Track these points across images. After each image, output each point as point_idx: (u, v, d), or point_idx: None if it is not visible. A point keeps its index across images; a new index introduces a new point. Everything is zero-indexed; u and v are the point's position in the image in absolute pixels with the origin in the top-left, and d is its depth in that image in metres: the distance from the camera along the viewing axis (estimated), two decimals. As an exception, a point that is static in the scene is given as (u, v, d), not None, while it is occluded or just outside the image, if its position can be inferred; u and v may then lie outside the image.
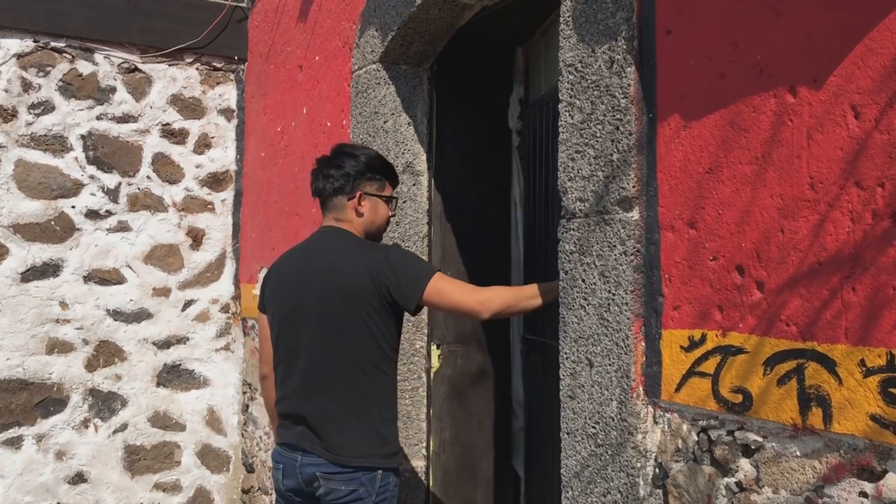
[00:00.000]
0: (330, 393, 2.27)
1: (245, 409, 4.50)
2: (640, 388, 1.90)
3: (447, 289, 2.26)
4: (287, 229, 4.03)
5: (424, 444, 3.15)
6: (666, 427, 1.85)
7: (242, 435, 4.53)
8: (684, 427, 1.81)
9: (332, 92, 3.55)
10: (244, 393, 4.53)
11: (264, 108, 4.32)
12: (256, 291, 4.31)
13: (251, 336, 4.44)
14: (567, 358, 2.08)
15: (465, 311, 2.28)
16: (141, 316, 4.36)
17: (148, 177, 4.41)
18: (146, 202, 4.40)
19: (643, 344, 1.90)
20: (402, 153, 3.13)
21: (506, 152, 3.34)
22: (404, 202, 3.11)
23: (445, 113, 3.23)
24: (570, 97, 2.08)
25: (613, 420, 1.93)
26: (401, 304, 2.26)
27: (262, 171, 4.33)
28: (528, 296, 2.32)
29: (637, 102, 1.91)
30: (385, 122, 3.14)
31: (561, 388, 2.10)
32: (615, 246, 1.94)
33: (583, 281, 2.03)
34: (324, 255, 2.34)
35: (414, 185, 3.15)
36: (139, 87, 4.38)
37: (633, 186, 1.91)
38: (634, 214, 1.91)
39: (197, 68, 4.50)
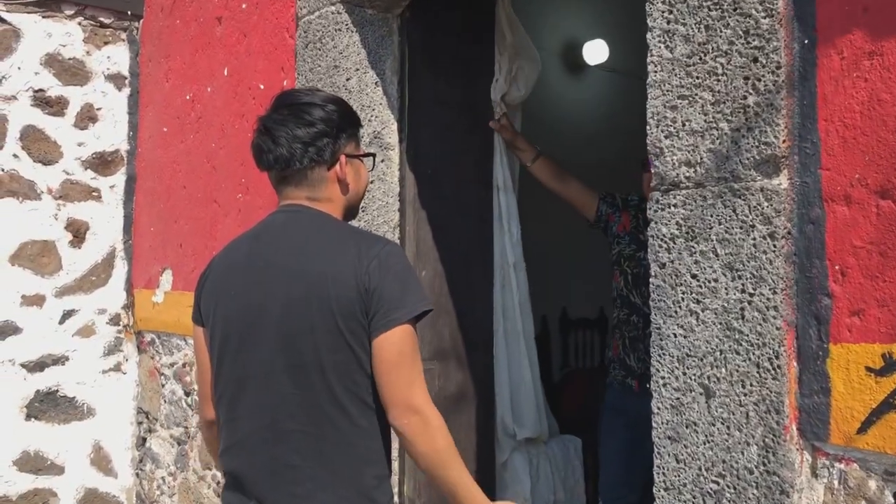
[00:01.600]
0: (297, 443, 1.57)
1: (141, 443, 3.66)
2: (794, 428, 1.34)
3: (407, 352, 1.56)
4: (200, 221, 3.25)
5: (397, 489, 2.49)
6: (836, 483, 1.30)
7: (137, 475, 3.68)
8: (872, 484, 1.26)
9: (268, 46, 2.82)
10: (140, 423, 3.68)
11: (167, 73, 3.51)
12: (157, 298, 3.50)
13: (149, 354, 3.61)
14: (664, 384, 1.50)
15: (395, 397, 1.53)
16: (6, 331, 3.43)
17: (15, 155, 3.49)
18: (12, 187, 3.48)
19: (796, 364, 1.34)
20: (369, 120, 2.46)
21: (488, 126, 2.74)
22: (371, 182, 2.44)
23: (419, 74, 2.58)
24: (669, 22, 1.50)
25: (751, 473, 1.36)
26: (370, 324, 1.56)
27: (165, 149, 3.52)
28: (455, 470, 1.55)
29: (786, 22, 1.36)
30: (348, 80, 2.47)
31: (655, 425, 1.51)
32: (753, 226, 1.37)
33: (693, 277, 1.45)
34: (292, 246, 1.63)
35: (383, 161, 2.48)
36: (3, 43, 3.46)
37: (783, 141, 1.35)
38: (782, 181, 1.35)
39: (80, 23, 3.63)
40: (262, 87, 2.85)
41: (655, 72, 1.52)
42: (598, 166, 5.13)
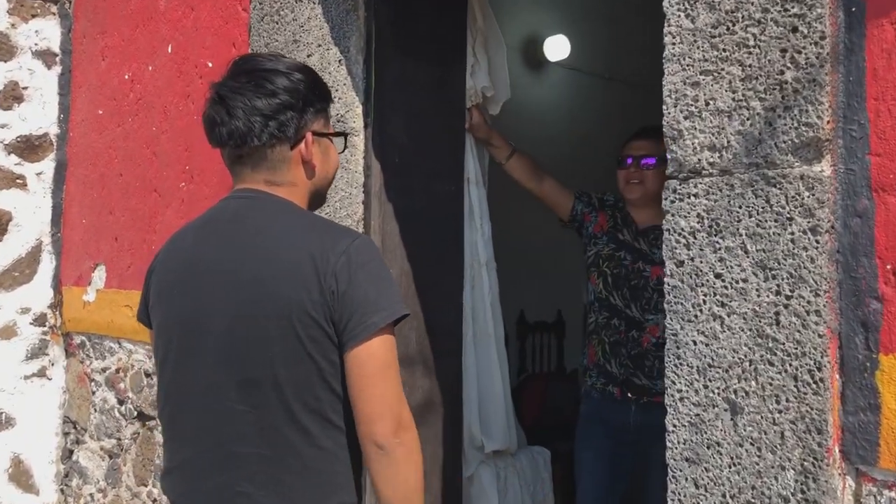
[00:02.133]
0: (250, 468, 1.33)
1: (67, 455, 3.34)
2: (837, 450, 1.17)
3: (391, 362, 1.34)
4: (138, 212, 2.96)
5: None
6: (885, 513, 1.14)
7: (62, 491, 3.36)
8: (929, 514, 1.10)
9: (217, 20, 2.57)
10: (66, 434, 3.36)
11: (103, 50, 3.21)
12: (88, 297, 3.19)
13: (78, 357, 3.30)
14: (682, 398, 1.32)
15: (384, 412, 1.31)
16: (-88, 332, 3.09)
17: (-74, 136, 3.15)
18: (-77, 172, 3.14)
19: (838, 377, 1.18)
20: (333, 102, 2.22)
21: (461, 114, 2.54)
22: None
23: (386, 53, 2.36)
24: (691, -13, 1.32)
25: (787, 501, 1.19)
26: (337, 333, 1.33)
27: (99, 134, 3.22)
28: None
29: (832, -12, 1.19)
30: (309, 57, 2.23)
31: (670, 444, 1.33)
32: (790, 219, 1.20)
33: (717, 277, 1.28)
34: (245, 239, 1.39)
35: (346, 147, 2.25)
36: (-87, 10, 3.12)
37: (828, 123, 1.18)
38: (824, 168, 1.19)
39: (4, -8, 3.29)
40: (210, 64, 2.59)
41: (674, 44, 1.34)
42: (557, 166, 5.00)
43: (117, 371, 3.03)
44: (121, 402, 3.01)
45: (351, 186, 2.28)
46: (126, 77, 3.05)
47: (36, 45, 3.39)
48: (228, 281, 1.36)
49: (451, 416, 2.53)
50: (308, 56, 2.24)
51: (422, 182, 2.43)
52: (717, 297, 1.28)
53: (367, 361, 1.31)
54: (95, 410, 3.16)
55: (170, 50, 2.80)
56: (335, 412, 1.35)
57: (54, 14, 3.43)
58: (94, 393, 3.18)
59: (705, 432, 1.29)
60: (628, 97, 5.20)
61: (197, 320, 1.38)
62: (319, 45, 2.24)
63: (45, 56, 3.42)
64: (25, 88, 3.36)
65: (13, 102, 3.33)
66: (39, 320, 3.40)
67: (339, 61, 2.26)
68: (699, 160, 1.30)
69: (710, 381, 1.28)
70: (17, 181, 3.35)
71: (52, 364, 3.41)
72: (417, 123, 2.42)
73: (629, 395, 2.52)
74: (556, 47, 5.01)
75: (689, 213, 1.31)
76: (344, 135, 1.63)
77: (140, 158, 2.95)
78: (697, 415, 1.30)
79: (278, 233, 1.38)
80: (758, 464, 1.22)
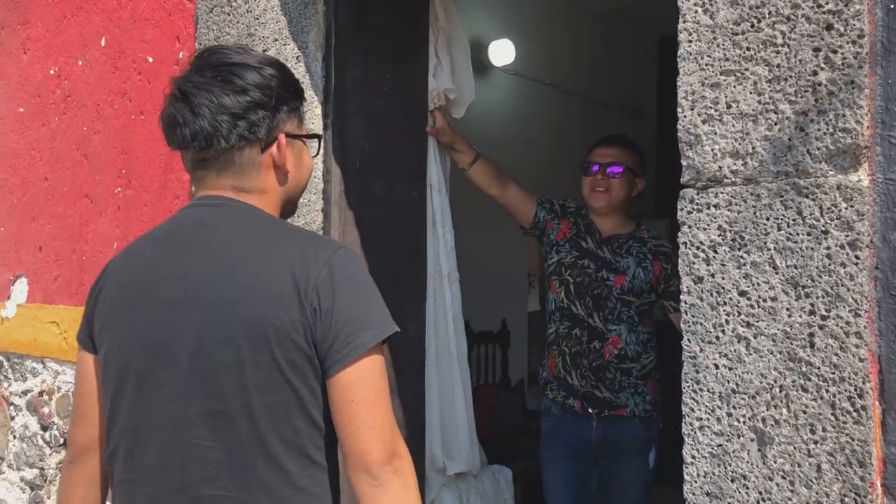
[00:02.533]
0: None
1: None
2: (879, 484, 1.08)
3: (382, 386, 1.19)
4: (66, 220, 2.71)
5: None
6: (932, 551, 1.05)
7: (-23, 526, 3.04)
8: (982, 553, 1.01)
9: (159, 11, 2.36)
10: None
11: (25, 43, 2.94)
12: (7, 312, 2.91)
13: (-5, 378, 3.00)
14: (701, 427, 1.21)
15: (377, 444, 1.16)
16: None
17: None
18: None
19: (878, 405, 1.09)
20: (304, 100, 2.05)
21: (423, 117, 2.40)
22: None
23: (346, 51, 2.20)
24: (710, -20, 1.22)
25: (825, 540, 1.09)
26: (318, 356, 1.17)
27: (20, 134, 2.94)
28: None
29: (870, -17, 1.10)
30: (265, 51, 2.05)
31: (688, 478, 1.22)
32: (826, 233, 1.11)
33: (742, 294, 1.17)
34: (212, 252, 1.22)
35: (319, 150, 2.08)
36: None
37: (866, 128, 1.09)
38: (862, 177, 1.10)
39: (-90, -24, 2.98)
40: (150, 59, 2.38)
41: (690, 41, 1.23)
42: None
43: (41, 394, 2.76)
44: (44, 429, 2.74)
45: (309, 192, 2.12)
46: (52, 72, 2.80)
47: (-53, 35, 3.08)
48: (196, 299, 1.19)
49: (414, 439, 2.38)
50: (264, 50, 2.06)
51: (383, 188, 2.28)
52: (743, 316, 1.17)
53: (355, 386, 1.15)
54: (15, 437, 2.88)
55: (103, 43, 2.56)
56: (316, 447, 1.20)
57: (-32, 2, 3.13)
58: (12, 418, 2.89)
59: (729, 464, 1.18)
60: (571, 105, 5.16)
61: (159, 345, 1.20)
62: (276, 40, 2.06)
63: (-43, 48, 3.11)
64: (-65, 83, 3.05)
65: (-79, 98, 3.02)
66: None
67: (298, 58, 2.09)
68: (720, 168, 1.20)
69: (734, 408, 1.18)
70: (-75, 185, 3.03)
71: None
72: (378, 126, 2.27)
73: (590, 409, 2.42)
74: (501, 51, 4.92)
75: (708, 224, 1.21)
76: (318, 137, 1.47)
77: (68, 161, 2.70)
78: (720, 445, 1.19)
79: (251, 244, 1.21)
80: (790, 499, 1.12)
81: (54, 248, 2.74)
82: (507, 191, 2.58)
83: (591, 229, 2.53)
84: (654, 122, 6.05)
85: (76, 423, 1.35)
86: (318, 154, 1.47)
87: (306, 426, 1.18)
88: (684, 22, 1.24)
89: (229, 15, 2.12)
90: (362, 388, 1.16)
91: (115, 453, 1.26)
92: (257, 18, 2.07)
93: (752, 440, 1.16)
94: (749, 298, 1.17)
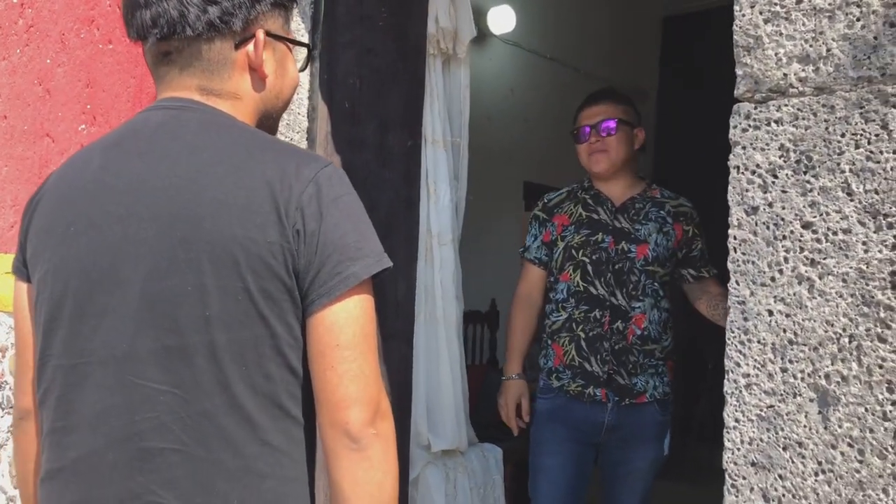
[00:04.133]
0: (170, 471, 0.95)
1: (-70, 452, 2.80)
2: (971, 454, 0.88)
3: (370, 329, 1.00)
4: (24, 161, 2.48)
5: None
6: None
7: (-78, 493, 2.82)
8: None
9: (132, -72, 2.13)
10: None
11: (-11, -30, 2.69)
12: (-40, 263, 2.67)
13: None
14: (748, 385, 1.01)
15: (362, 394, 0.97)
16: None
17: None
18: None
19: (973, 358, 0.89)
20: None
21: (420, 58, 2.19)
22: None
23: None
24: None
25: (901, 521, 0.90)
26: (300, 288, 0.98)
27: (-19, 70, 2.70)
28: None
29: None
30: (248, -32, 1.83)
31: (729, 444, 1.02)
32: (917, 149, 0.91)
33: (806, 227, 0.98)
34: (173, 160, 1.00)
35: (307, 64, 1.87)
36: None
37: (973, 22, 0.89)
38: (964, 83, 0.90)
39: None
40: (121, -18, 2.15)
41: (753, -75, 1.03)
42: (499, 145, 4.71)
43: (-7, 351, 2.54)
44: (-4, 388, 2.52)
45: (292, 131, 1.91)
46: (14, 0, 2.56)
47: None
48: (150, 214, 0.98)
49: (399, 410, 2.18)
50: (246, -33, 1.84)
51: (375, 134, 2.07)
52: (806, 253, 0.97)
53: (342, 327, 0.95)
54: (-35, 398, 2.65)
55: (71, -34, 2.33)
56: (291, 396, 0.99)
57: (-71, -74, 2.88)
58: (-37, 377, 2.66)
59: (781, 429, 0.99)
60: (570, 81, 4.96)
61: (103, 267, 0.99)
62: (261, -44, 1.84)
63: (-85, -25, 2.86)
64: None
65: None
66: None
67: (284, -21, 1.87)
68: (784, 75, 1.00)
69: (790, 362, 0.98)
70: None
71: (-87, 342, 2.86)
72: (371, 64, 2.06)
73: (613, 396, 2.21)
74: (501, 18, 4.71)
75: (768, 144, 1.01)
76: (307, 46, 1.25)
77: (29, 97, 2.47)
78: (771, 406, 1.00)
79: (220, 153, 1.00)
80: (858, 471, 0.93)
81: (11, 192, 2.51)
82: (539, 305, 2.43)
83: (601, 199, 2.30)
84: (655, 103, 5.88)
85: (20, 371, 1.14)
86: (305, 67, 1.26)
87: (280, 371, 0.98)
88: None
89: (209, -73, 1.90)
90: (350, 329, 0.96)
91: (46, 396, 1.04)
92: (240, -70, 1.85)
93: (811, 400, 0.97)
94: (815, 231, 0.97)
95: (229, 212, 0.95)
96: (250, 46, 1.08)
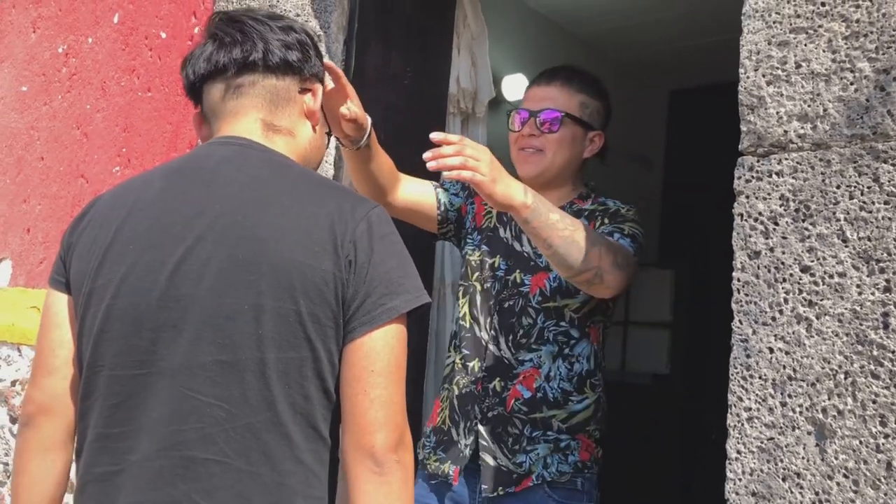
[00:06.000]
0: (210, 480, 1.00)
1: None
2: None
3: (399, 362, 1.05)
4: (59, 200, 2.59)
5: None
6: None
7: (-72, 525, 2.84)
8: None
9: (177, -13, 2.28)
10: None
11: (35, 21, 2.86)
12: (-14, 297, 2.75)
13: (-34, 367, 2.83)
14: (749, 418, 1.07)
15: (388, 422, 1.03)
16: None
17: None
18: None
19: (960, 395, 0.96)
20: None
21: (441, 116, 2.31)
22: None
23: (367, 37, 2.12)
24: (782, -66, 1.13)
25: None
26: (344, 315, 1.04)
27: (21, 113, 2.84)
28: None
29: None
30: (286, 26, 1.97)
31: (731, 475, 1.08)
32: (906, 201, 0.99)
33: (804, 271, 1.06)
34: (238, 188, 1.09)
35: (328, 143, 1.98)
36: None
37: (955, 88, 0.99)
38: (948, 143, 0.99)
39: (-75, -53, 2.91)
40: (163, 35, 2.29)
41: (757, -1, 1.14)
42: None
43: (13, 384, 2.59)
44: (13, 421, 2.57)
45: (319, 178, 2.01)
46: (60, 50, 2.71)
47: (-44, 10, 3.00)
48: (215, 234, 1.05)
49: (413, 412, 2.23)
50: (284, 25, 1.98)
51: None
52: (804, 294, 1.05)
53: (379, 354, 1.02)
54: (-20, 430, 2.70)
55: (116, 20, 2.48)
56: (323, 419, 1.05)
57: (-19, -20, 3.06)
58: (-20, 409, 2.72)
59: (781, 460, 1.05)
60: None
61: (165, 284, 1.05)
62: (298, 16, 1.98)
63: (-35, 24, 3.03)
64: (-63, 56, 2.96)
65: (-79, 70, 2.92)
66: (-77, 322, 2.92)
67: (318, 37, 2.00)
68: (785, 132, 1.09)
69: (789, 397, 1.05)
70: (-85, 159, 2.91)
71: (-67, 374, 2.92)
72: (395, 120, 2.17)
73: (479, 484, 1.58)
74: (515, 86, 4.89)
75: (769, 193, 1.10)
76: (329, 134, 1.37)
77: (67, 140, 2.59)
78: (771, 438, 1.06)
79: (284, 186, 1.09)
80: (854, 501, 0.98)
81: (43, 229, 2.61)
82: (400, 183, 1.71)
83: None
84: (661, 174, 6.02)
85: (35, 377, 1.16)
86: (328, 144, 1.37)
87: (318, 393, 1.04)
88: (748, -25, 1.16)
89: (250, -13, 2.05)
90: (385, 357, 1.03)
91: (93, 404, 1.09)
92: (280, -9, 1.99)
93: (809, 433, 1.03)
94: (813, 274, 1.05)
95: (291, 239, 1.03)
96: (308, 96, 1.19)
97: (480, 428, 1.56)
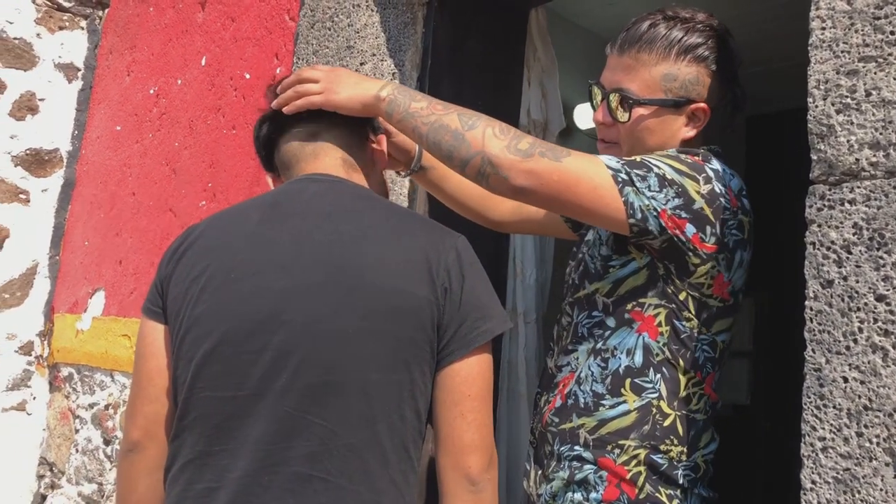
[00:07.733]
0: (315, 497, 1.06)
1: (40, 501, 3.00)
2: None
3: (488, 385, 1.10)
4: (148, 233, 2.73)
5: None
6: None
7: (28, 542, 3.00)
8: None
9: (261, 31, 2.41)
10: (41, 477, 3.03)
11: (130, 66, 3.05)
12: (82, 325, 2.92)
13: (63, 392, 3.00)
14: (824, 448, 1.06)
15: (479, 442, 1.06)
16: None
17: (-70, 138, 2.94)
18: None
19: None
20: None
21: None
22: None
23: (440, 74, 2.19)
24: (849, -36, 1.14)
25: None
26: (439, 339, 1.09)
27: (115, 151, 3.02)
28: None
29: None
30: (362, 65, 2.05)
31: (808, 508, 1.07)
32: (983, 228, 0.98)
33: (880, 300, 1.05)
34: (334, 220, 1.15)
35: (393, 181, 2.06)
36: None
37: None
38: None
39: (33, 0, 3.15)
40: (247, 76, 2.42)
41: (825, 28, 1.15)
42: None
43: (106, 407, 2.74)
44: (107, 443, 2.70)
45: (394, 210, 2.07)
46: (151, 92, 2.88)
47: (60, 57, 3.23)
48: (318, 265, 1.11)
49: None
50: (361, 64, 2.06)
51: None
52: (880, 323, 1.04)
53: (476, 379, 1.08)
54: (77, 451, 2.85)
55: (203, 62, 2.63)
56: (413, 441, 1.10)
57: (83, 29, 3.29)
58: (77, 431, 2.87)
59: (858, 492, 1.03)
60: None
61: (268, 310, 1.10)
62: (374, 55, 2.06)
63: (67, 69, 3.25)
64: (42, 100, 3.18)
65: (27, 113, 3.14)
66: (25, 349, 3.12)
67: (393, 74, 2.08)
68: (857, 160, 1.09)
69: (865, 427, 1.04)
70: (20, 196, 3.12)
71: (34, 398, 3.11)
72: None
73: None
74: (586, 115, 4.90)
75: (842, 222, 1.09)
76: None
77: (157, 176, 2.74)
78: (847, 469, 1.05)
79: (378, 218, 1.15)
80: (936, 535, 0.96)
81: (133, 261, 2.76)
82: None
83: None
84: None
85: (137, 404, 1.22)
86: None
87: (411, 415, 1.09)
88: (817, 9, 1.16)
89: (330, 29, 2.14)
90: (480, 382, 1.10)
91: (195, 423, 1.13)
92: (357, 32, 2.08)
93: (886, 464, 1.01)
94: (889, 304, 1.04)
95: (390, 267, 1.09)
96: (379, 140, 1.30)
97: (530, 450, 1.35)
